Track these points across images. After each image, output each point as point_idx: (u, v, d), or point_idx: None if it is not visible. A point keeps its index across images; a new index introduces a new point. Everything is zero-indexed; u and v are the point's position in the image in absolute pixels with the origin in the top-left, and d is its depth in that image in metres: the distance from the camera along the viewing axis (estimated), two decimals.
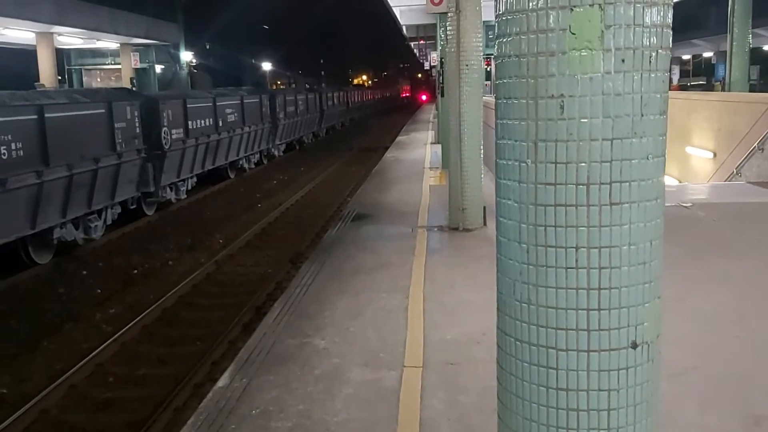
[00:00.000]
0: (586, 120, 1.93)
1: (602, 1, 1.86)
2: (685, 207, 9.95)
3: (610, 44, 1.89)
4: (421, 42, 40.47)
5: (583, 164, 1.94)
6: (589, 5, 1.87)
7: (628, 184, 1.95)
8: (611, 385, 2.02)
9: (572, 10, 1.88)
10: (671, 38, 1.99)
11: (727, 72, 18.44)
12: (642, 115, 1.95)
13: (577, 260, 1.98)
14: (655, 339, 2.07)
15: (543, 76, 1.95)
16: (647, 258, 2.01)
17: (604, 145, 1.93)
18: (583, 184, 1.95)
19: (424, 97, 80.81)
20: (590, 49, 1.89)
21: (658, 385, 2.12)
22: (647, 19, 1.90)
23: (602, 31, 1.88)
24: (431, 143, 23.20)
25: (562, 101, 1.93)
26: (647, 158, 1.97)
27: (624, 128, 1.93)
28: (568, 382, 2.03)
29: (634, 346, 2.02)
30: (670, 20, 1.97)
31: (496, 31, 2.12)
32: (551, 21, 1.91)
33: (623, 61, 1.90)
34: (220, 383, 4.93)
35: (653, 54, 1.94)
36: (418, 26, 28.11)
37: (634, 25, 1.89)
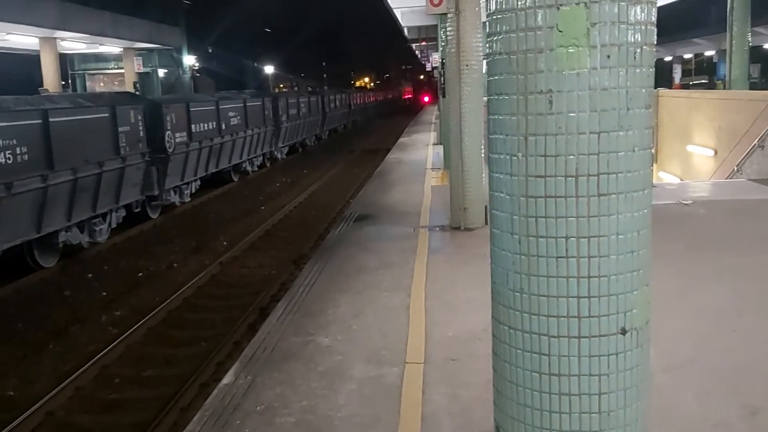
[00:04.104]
0: (573, 114, 2.00)
1: (588, 0, 1.93)
2: (686, 204, 9.99)
3: (596, 41, 1.96)
4: (423, 43, 40.46)
5: (571, 157, 2.02)
6: (575, 4, 1.94)
7: (615, 175, 2.02)
8: (602, 370, 2.09)
9: (559, 8, 1.95)
10: (655, 35, 2.06)
11: (727, 70, 18.48)
12: (628, 109, 2.02)
13: (567, 250, 2.05)
14: (644, 325, 2.14)
15: (532, 73, 2.03)
16: (635, 247, 2.08)
17: (591, 138, 2.00)
18: (571, 176, 2.02)
19: (426, 99, 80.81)
20: (577, 46, 1.96)
21: (647, 370, 2.18)
22: (632, 17, 1.98)
23: (588, 29, 1.95)
24: (433, 144, 23.25)
25: (551, 96, 2.01)
26: (633, 150, 2.04)
27: (610, 122, 2.00)
28: (560, 367, 2.10)
29: (624, 332, 2.09)
30: (654, 18, 2.04)
31: (487, 30, 2.19)
32: (539, 19, 1.99)
33: (609, 57, 1.97)
34: (225, 380, 5.00)
35: (638, 50, 2.01)
36: (419, 27, 28.10)
37: (618, 23, 1.96)
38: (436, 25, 18.52)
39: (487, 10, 2.18)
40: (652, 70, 2.08)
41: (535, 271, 2.09)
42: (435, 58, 28.21)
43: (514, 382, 2.19)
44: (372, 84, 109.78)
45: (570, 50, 1.96)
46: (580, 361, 2.08)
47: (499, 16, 2.10)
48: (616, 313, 2.07)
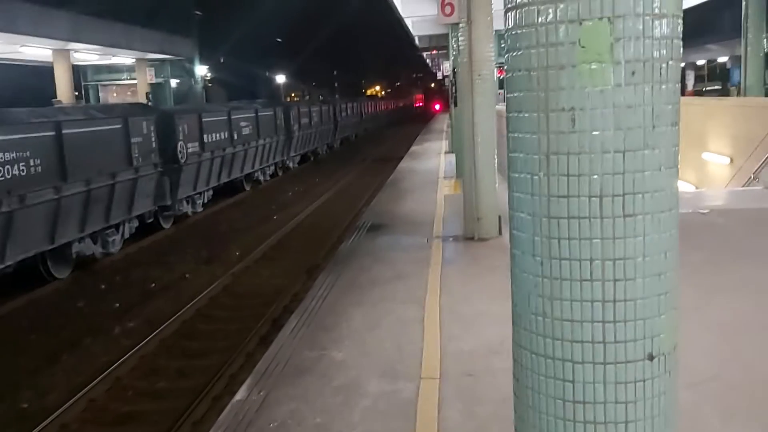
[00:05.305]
0: (597, 132, 1.93)
1: (611, 15, 1.87)
2: (703, 213, 9.86)
3: (620, 57, 1.89)
4: (434, 52, 40.53)
5: (595, 176, 1.94)
6: (598, 18, 1.87)
7: (641, 195, 1.95)
8: (628, 397, 2.01)
9: (581, 23, 1.88)
10: (681, 49, 2.00)
11: (743, 77, 18.35)
12: (654, 127, 1.94)
13: (591, 272, 1.98)
14: (672, 350, 2.06)
15: (554, 90, 1.96)
16: (662, 269, 2.01)
17: (616, 157, 1.93)
18: (596, 197, 1.95)
19: (437, 107, 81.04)
20: (600, 62, 1.89)
21: (675, 397, 2.11)
22: (656, 32, 1.91)
23: (612, 44, 1.88)
24: (445, 152, 23.21)
25: (574, 114, 1.94)
26: (660, 169, 1.97)
27: (636, 140, 1.93)
28: (585, 394, 2.02)
29: (651, 357, 2.01)
30: (679, 32, 1.97)
31: (506, 46, 2.13)
32: (561, 34, 1.92)
33: (633, 73, 1.90)
34: (238, 396, 4.95)
35: (663, 65, 1.94)
36: (430, 36, 28.15)
37: (643, 38, 1.89)
38: (447, 34, 18.52)
39: (505, 26, 2.12)
40: (678, 85, 2.01)
41: (558, 294, 2.02)
42: (446, 67, 28.23)
43: (537, 409, 2.11)
44: (383, 92, 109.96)
45: (593, 66, 1.90)
46: (606, 388, 2.00)
47: (518, 32, 2.04)
48: (643, 338, 1.99)
